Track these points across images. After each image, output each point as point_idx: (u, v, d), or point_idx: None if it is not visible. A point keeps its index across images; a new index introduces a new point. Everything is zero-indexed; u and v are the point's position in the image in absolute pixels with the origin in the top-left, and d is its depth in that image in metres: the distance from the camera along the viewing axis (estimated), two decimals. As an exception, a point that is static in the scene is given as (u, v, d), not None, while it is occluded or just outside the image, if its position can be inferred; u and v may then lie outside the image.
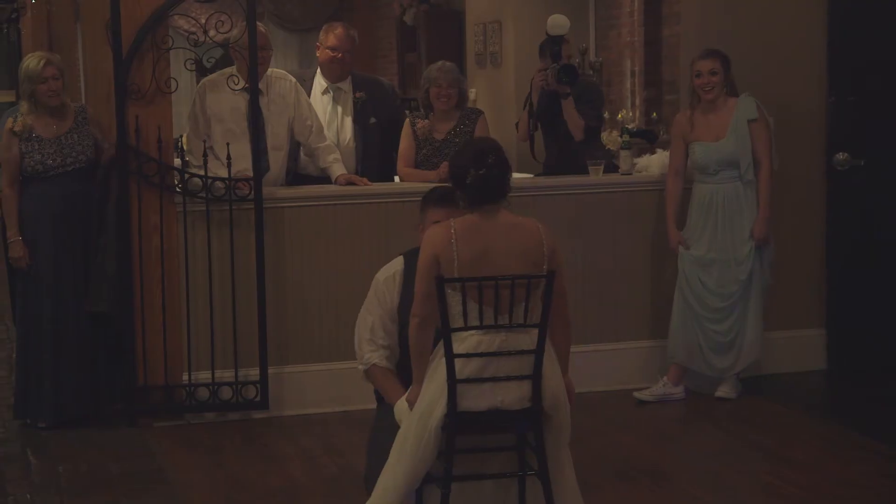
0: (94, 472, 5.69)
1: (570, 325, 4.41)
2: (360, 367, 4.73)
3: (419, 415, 4.25)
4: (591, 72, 8.66)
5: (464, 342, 4.22)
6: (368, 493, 4.36)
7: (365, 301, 4.77)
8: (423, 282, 4.23)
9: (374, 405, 4.79)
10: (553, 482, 4.32)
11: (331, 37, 6.96)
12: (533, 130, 7.35)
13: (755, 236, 6.52)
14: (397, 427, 4.34)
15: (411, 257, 4.54)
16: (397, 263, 4.72)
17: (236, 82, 6.45)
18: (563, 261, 4.33)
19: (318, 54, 7.08)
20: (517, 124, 7.54)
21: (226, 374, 6.36)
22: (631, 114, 9.17)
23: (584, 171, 6.94)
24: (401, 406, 4.39)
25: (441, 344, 4.26)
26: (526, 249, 4.26)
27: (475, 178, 4.29)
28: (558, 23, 7.14)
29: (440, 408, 4.22)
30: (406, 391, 4.40)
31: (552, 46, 7.16)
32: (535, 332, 4.25)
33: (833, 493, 5.26)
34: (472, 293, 4.19)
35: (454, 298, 4.20)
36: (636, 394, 6.65)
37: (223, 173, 6.29)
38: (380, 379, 4.64)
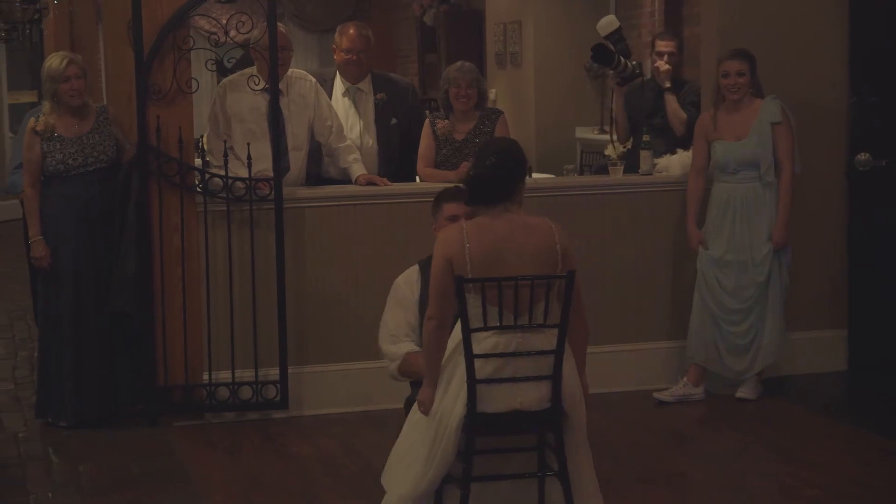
0: (114, 472, 5.70)
1: (586, 323, 4.41)
2: (392, 366, 4.75)
3: (437, 416, 4.26)
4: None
5: (481, 343, 4.23)
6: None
7: (385, 308, 4.82)
8: (437, 283, 4.24)
9: (393, 405, 4.79)
10: (572, 482, 4.32)
11: (344, 39, 6.96)
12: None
13: (774, 241, 6.49)
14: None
15: (426, 265, 4.56)
16: (414, 271, 4.83)
17: (257, 82, 6.46)
18: (577, 260, 4.33)
19: (335, 57, 7.09)
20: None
21: (246, 374, 6.38)
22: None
23: None
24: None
25: (456, 347, 4.27)
26: (539, 250, 4.26)
27: (469, 178, 4.33)
28: (604, 23, 7.26)
29: (458, 409, 4.23)
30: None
31: (614, 45, 7.24)
32: (552, 332, 4.25)
33: (853, 495, 5.24)
34: (488, 295, 4.19)
35: (472, 301, 4.20)
36: (656, 394, 6.64)
37: (243, 173, 6.31)
38: (418, 361, 4.60)
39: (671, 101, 7.18)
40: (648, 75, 7.56)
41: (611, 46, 7.29)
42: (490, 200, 4.31)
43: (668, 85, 7.21)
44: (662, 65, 7.22)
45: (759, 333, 6.56)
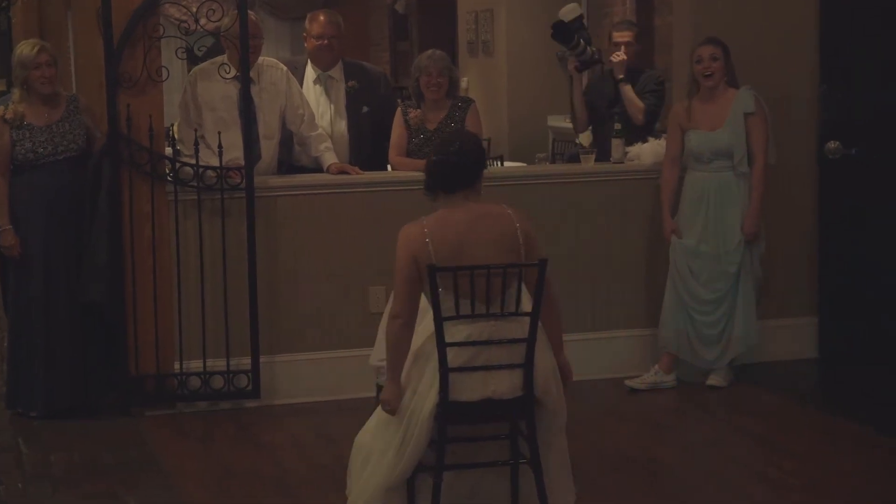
0: (86, 462, 5.68)
1: (557, 304, 4.41)
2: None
3: (411, 407, 4.26)
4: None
5: (454, 335, 4.23)
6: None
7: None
8: (402, 283, 4.24)
9: (364, 394, 4.79)
10: (545, 470, 4.33)
11: (315, 25, 6.95)
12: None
13: (745, 232, 6.51)
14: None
15: None
16: None
17: (228, 71, 6.43)
18: (538, 241, 4.35)
19: (305, 45, 7.07)
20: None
21: (217, 364, 6.36)
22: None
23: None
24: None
25: (428, 338, 4.27)
26: (500, 237, 4.28)
27: (431, 165, 4.34)
28: (565, 10, 7.25)
29: (432, 398, 4.23)
30: None
31: (574, 30, 7.22)
32: (524, 320, 4.26)
33: (825, 481, 5.27)
34: (459, 284, 4.19)
35: (443, 295, 4.20)
36: (628, 382, 6.66)
37: (215, 162, 6.28)
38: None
39: (627, 91, 7.15)
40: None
41: (570, 25, 7.26)
42: (451, 187, 4.31)
43: (621, 76, 7.16)
44: (617, 56, 7.17)
45: (730, 324, 6.58)
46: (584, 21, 7.42)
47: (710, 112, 6.56)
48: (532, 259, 4.29)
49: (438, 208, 4.35)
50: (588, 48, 7.23)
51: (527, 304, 4.30)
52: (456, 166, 4.32)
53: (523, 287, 4.32)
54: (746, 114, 6.50)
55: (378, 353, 4.72)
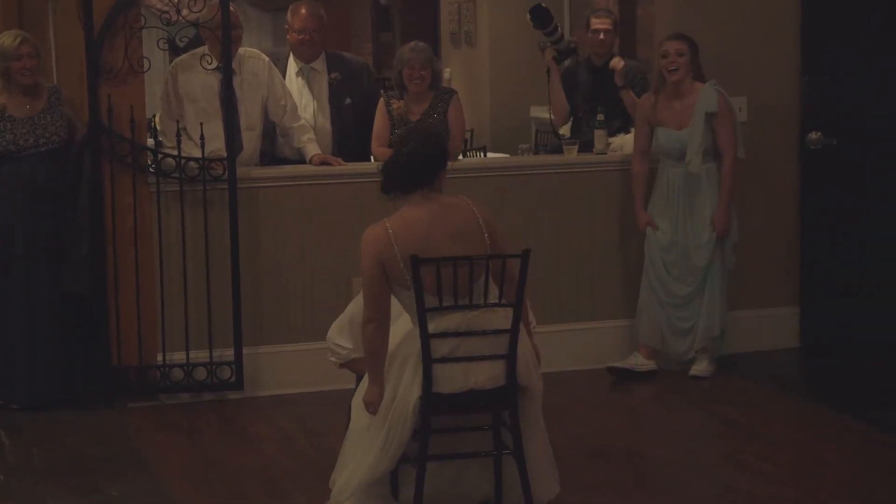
0: (69, 454, 5.66)
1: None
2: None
3: (394, 403, 4.26)
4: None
5: (435, 329, 4.23)
6: None
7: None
8: (371, 286, 4.24)
9: (347, 385, 4.79)
10: (528, 458, 4.35)
11: (296, 19, 6.92)
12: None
13: (716, 228, 6.51)
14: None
15: None
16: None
17: (209, 62, 6.41)
18: (501, 228, 4.37)
19: (287, 37, 7.05)
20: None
21: (200, 355, 6.34)
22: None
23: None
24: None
25: (405, 337, 4.28)
26: (465, 230, 4.29)
27: (385, 166, 4.35)
28: None
29: (415, 391, 4.23)
30: None
31: (552, 16, 7.12)
32: (503, 310, 4.28)
33: (807, 470, 5.30)
34: (429, 284, 4.19)
35: (410, 297, 4.21)
36: (609, 363, 6.64)
37: (197, 153, 6.26)
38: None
39: (631, 97, 6.90)
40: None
41: (550, 12, 7.17)
42: (405, 187, 4.31)
43: (621, 84, 6.90)
44: (617, 62, 6.93)
45: (700, 316, 6.60)
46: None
47: (677, 109, 6.55)
48: (497, 247, 4.31)
49: (402, 206, 4.35)
50: (564, 35, 7.17)
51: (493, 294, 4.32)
52: (409, 166, 4.32)
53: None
54: (709, 114, 6.47)
55: (337, 334, 4.73)
